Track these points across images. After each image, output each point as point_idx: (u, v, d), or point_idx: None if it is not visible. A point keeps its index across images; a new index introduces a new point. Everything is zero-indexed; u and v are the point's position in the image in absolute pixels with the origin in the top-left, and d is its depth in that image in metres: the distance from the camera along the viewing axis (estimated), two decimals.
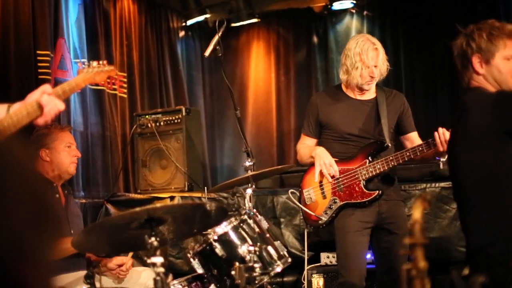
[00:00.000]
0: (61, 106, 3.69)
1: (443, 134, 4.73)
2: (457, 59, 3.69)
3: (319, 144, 5.33)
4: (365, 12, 9.57)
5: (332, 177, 5.08)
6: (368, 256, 5.38)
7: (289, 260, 4.43)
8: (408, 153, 4.95)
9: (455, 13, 8.82)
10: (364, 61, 5.01)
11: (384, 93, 5.23)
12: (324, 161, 5.06)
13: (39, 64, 6.77)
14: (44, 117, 3.62)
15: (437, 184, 6.45)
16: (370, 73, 5.04)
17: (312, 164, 5.20)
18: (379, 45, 5.12)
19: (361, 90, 5.18)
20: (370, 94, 5.22)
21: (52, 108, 3.63)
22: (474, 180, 3.51)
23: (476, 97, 3.60)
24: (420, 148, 4.93)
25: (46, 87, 3.71)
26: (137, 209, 3.41)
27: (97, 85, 7.65)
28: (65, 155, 5.23)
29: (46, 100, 3.61)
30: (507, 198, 3.42)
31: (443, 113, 8.89)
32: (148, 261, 3.36)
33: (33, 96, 3.65)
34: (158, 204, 6.67)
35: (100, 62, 4.08)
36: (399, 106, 5.25)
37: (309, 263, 6.50)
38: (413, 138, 5.25)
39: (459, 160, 3.61)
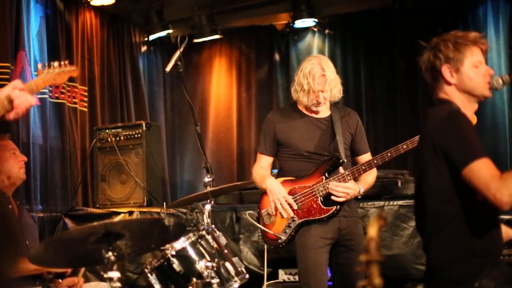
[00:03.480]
0: (33, 100, 3.65)
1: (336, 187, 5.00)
2: (426, 74, 3.68)
3: (277, 162, 5.35)
4: (326, 31, 9.66)
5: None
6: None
7: (247, 276, 4.44)
8: (363, 167, 5.00)
9: (416, 33, 8.93)
10: (311, 85, 5.02)
11: (338, 111, 5.25)
12: (278, 198, 5.09)
13: None
14: (15, 110, 3.56)
15: (395, 202, 6.50)
16: (316, 97, 5.06)
17: None
18: (329, 70, 5.07)
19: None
20: (325, 112, 5.23)
21: (23, 102, 3.57)
22: (435, 198, 3.52)
23: (434, 115, 3.62)
24: (375, 161, 5.00)
25: (17, 82, 3.67)
26: (95, 223, 3.40)
27: (57, 98, 7.61)
28: (12, 162, 5.24)
29: (16, 94, 3.57)
30: (467, 217, 3.45)
31: (403, 130, 8.98)
32: (105, 275, 3.35)
33: (3, 92, 3.60)
34: (116, 219, 6.68)
35: (62, 62, 4.01)
36: (352, 124, 5.26)
37: (267, 280, 6.51)
38: (365, 160, 5.24)
39: (421, 176, 3.63)
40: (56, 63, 3.97)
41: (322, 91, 5.04)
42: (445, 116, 3.51)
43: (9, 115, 3.58)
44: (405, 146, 4.91)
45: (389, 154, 4.95)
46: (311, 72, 5.02)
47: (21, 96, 3.57)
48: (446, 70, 3.59)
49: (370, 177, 5.18)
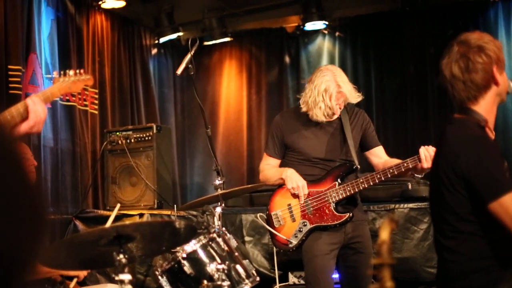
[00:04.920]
0: (44, 113, 3.57)
1: (427, 151, 4.74)
2: (470, 75, 3.43)
3: (282, 165, 5.26)
4: (337, 33, 9.66)
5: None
6: (336, 276, 5.36)
7: (257, 279, 4.43)
8: (378, 176, 4.92)
9: (426, 35, 8.94)
10: (327, 103, 4.90)
11: (347, 113, 5.17)
12: (298, 183, 5.02)
13: (10, 79, 6.74)
14: (30, 118, 3.47)
15: (405, 205, 6.49)
16: (333, 111, 5.00)
17: (279, 186, 5.17)
18: (344, 84, 4.93)
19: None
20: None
21: (37, 110, 3.48)
22: (452, 215, 3.46)
23: (457, 132, 3.50)
24: (391, 171, 4.87)
25: (34, 96, 3.62)
26: (106, 226, 3.41)
27: (68, 100, 7.64)
28: None
29: (33, 100, 3.50)
30: (485, 234, 3.39)
31: (412, 133, 8.97)
32: (116, 278, 3.35)
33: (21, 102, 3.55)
34: (127, 221, 6.69)
35: (77, 71, 3.98)
36: (361, 123, 5.17)
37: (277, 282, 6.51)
38: (379, 153, 5.20)
39: (437, 189, 3.54)
40: (71, 72, 3.93)
41: (339, 106, 4.97)
42: (470, 140, 3.38)
43: (21, 126, 3.48)
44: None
45: (405, 165, 4.84)
46: (328, 90, 4.88)
47: (37, 102, 3.50)
48: (497, 71, 3.48)
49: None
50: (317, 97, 4.92)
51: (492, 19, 8.65)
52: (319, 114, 4.96)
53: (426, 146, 4.77)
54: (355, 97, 5.01)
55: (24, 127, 3.45)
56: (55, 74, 3.95)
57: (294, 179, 5.01)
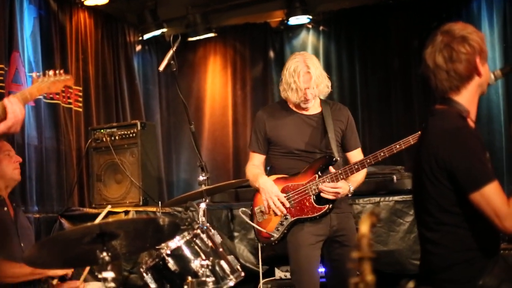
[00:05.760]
0: (22, 114, 3.54)
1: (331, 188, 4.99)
2: (453, 65, 3.44)
3: (267, 160, 5.37)
4: (321, 27, 9.66)
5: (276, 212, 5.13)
6: (322, 269, 5.38)
7: (242, 274, 4.43)
8: (356, 166, 5.00)
9: (409, 29, 8.96)
10: (297, 83, 5.04)
11: (329, 107, 5.25)
12: (271, 196, 5.10)
13: None
14: (8, 118, 3.45)
15: (390, 198, 6.50)
16: (304, 95, 5.07)
17: None
18: (313, 67, 5.07)
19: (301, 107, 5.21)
20: (315, 108, 5.24)
21: (15, 110, 3.48)
22: (435, 207, 3.47)
23: (439, 124, 3.50)
24: (368, 160, 5.00)
25: (11, 97, 3.60)
26: (89, 224, 3.40)
27: (52, 98, 7.60)
28: (6, 163, 5.20)
29: (10, 100, 3.47)
30: (468, 225, 3.40)
31: (397, 125, 8.99)
32: (100, 276, 3.35)
33: None
34: (110, 219, 6.68)
35: (57, 71, 3.96)
36: (343, 119, 5.27)
37: (263, 277, 6.51)
38: (356, 156, 5.29)
39: (419, 181, 3.55)
40: (51, 72, 3.92)
41: (308, 88, 5.04)
42: (451, 131, 3.39)
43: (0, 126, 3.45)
44: (398, 146, 4.92)
45: (382, 154, 4.95)
46: (296, 70, 5.04)
47: (14, 103, 3.48)
48: (479, 62, 3.49)
49: (359, 176, 5.19)
50: (288, 78, 5.09)
51: (475, 11, 8.65)
52: (293, 97, 5.07)
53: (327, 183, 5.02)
54: (324, 83, 5.10)
55: (2, 127, 3.43)
56: (34, 75, 3.93)
57: (267, 191, 5.12)
